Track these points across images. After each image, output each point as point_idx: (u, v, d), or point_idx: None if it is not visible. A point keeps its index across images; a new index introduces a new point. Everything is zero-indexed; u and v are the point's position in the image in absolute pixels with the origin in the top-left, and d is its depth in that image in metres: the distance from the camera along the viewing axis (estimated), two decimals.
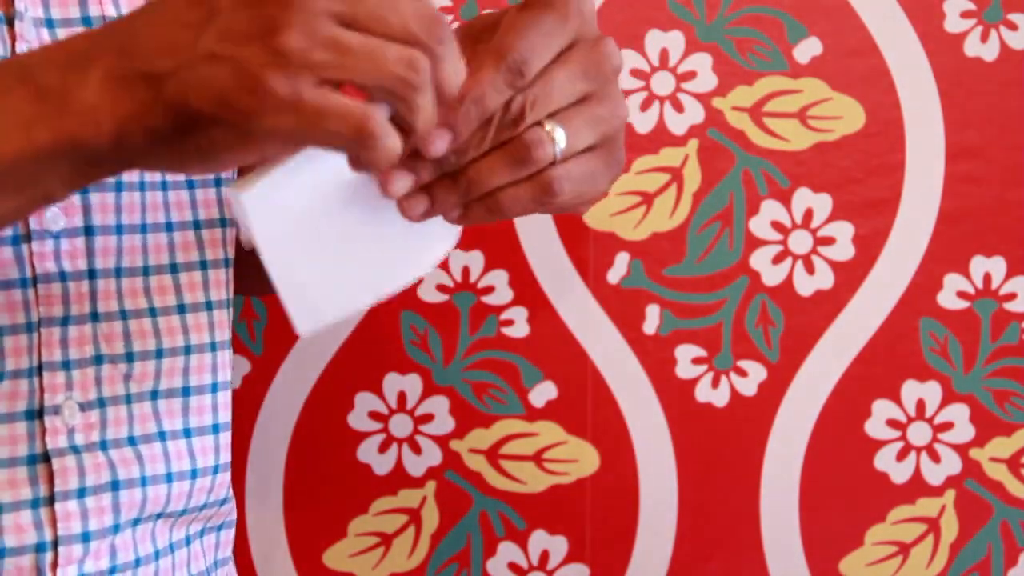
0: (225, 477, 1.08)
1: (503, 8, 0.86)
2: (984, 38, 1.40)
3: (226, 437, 1.07)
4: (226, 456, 1.07)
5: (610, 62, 0.85)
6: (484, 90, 0.80)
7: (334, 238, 0.82)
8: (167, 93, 0.73)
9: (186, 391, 1.03)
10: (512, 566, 1.43)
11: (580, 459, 1.43)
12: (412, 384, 1.42)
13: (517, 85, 0.81)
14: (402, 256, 0.85)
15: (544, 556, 1.43)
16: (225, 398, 1.06)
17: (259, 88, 0.71)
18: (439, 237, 0.87)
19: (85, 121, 0.75)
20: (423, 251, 0.86)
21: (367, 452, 1.42)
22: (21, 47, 0.92)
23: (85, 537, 0.95)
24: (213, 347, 1.04)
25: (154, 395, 1.00)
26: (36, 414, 0.94)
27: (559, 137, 0.83)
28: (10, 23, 0.92)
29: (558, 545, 1.43)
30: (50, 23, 0.95)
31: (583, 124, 0.84)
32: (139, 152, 0.76)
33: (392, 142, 0.73)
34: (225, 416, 1.06)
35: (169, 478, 1.01)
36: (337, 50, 0.71)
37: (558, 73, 0.83)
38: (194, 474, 1.03)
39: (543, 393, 1.42)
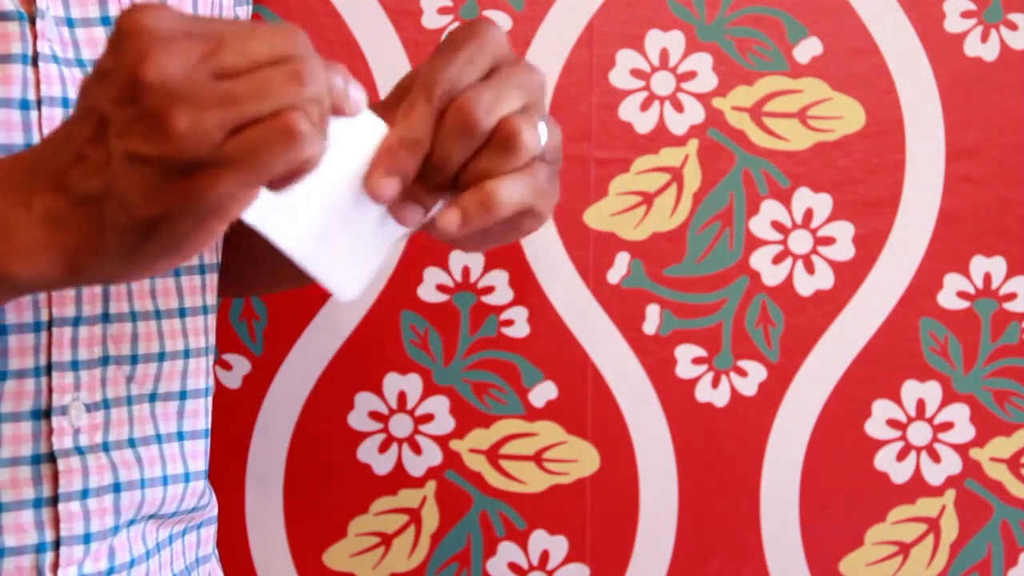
0: (207, 480, 1.09)
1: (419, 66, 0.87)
2: (984, 38, 1.40)
3: (209, 442, 1.08)
4: (208, 460, 1.08)
5: (537, 75, 0.86)
6: (419, 131, 0.82)
7: (337, 209, 0.83)
8: (110, 212, 0.74)
9: (183, 395, 1.03)
10: (512, 566, 1.44)
11: (580, 459, 1.43)
12: (412, 384, 1.42)
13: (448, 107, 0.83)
14: (319, 248, 0.85)
15: (544, 556, 1.43)
16: (211, 403, 1.07)
17: (190, 166, 0.71)
18: (340, 284, 0.87)
19: (28, 260, 0.76)
20: (328, 270, 0.86)
21: (367, 452, 1.42)
22: (43, 45, 0.92)
23: (87, 538, 0.95)
24: (207, 351, 1.05)
25: (152, 397, 1.00)
26: (43, 414, 0.93)
27: (541, 129, 0.84)
28: (32, 21, 0.92)
29: (558, 545, 1.43)
30: (71, 22, 0.95)
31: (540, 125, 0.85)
32: (93, 275, 0.77)
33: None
34: (210, 421, 1.07)
35: (165, 481, 1.01)
36: (228, 99, 0.72)
37: (494, 84, 0.83)
38: (187, 478, 1.04)
39: (543, 393, 1.42)
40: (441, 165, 0.83)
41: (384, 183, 0.82)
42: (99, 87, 0.74)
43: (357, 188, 0.84)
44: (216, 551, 1.15)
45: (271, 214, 0.80)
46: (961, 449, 1.44)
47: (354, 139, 0.83)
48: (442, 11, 1.39)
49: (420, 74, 0.84)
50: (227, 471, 1.41)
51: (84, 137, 0.74)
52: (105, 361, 0.96)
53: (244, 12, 1.21)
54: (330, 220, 0.83)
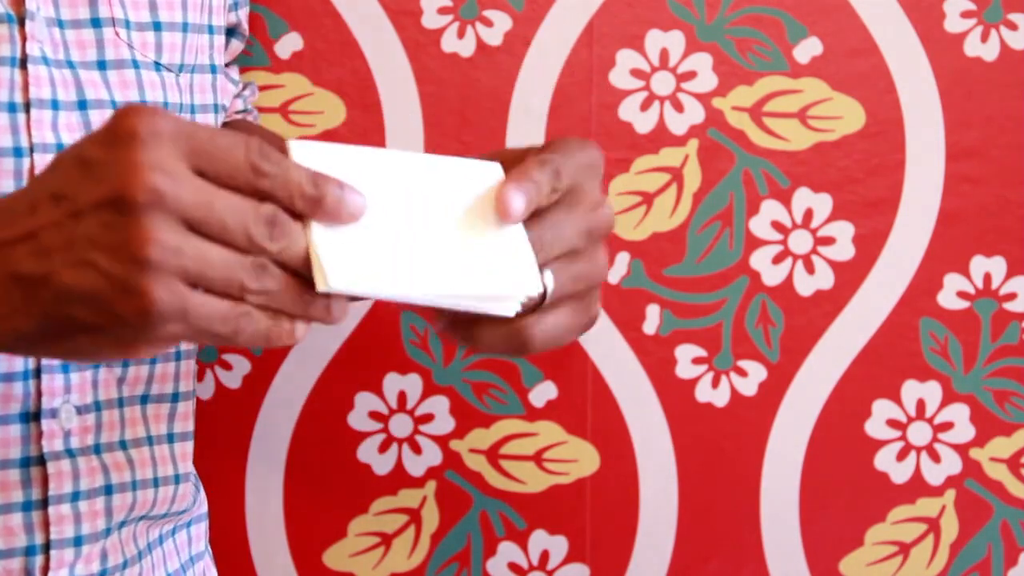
0: (197, 480, 1.09)
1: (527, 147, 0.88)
2: (984, 38, 1.40)
3: (193, 444, 1.08)
4: (192, 461, 1.08)
5: (608, 225, 0.86)
6: (539, 177, 0.82)
7: (399, 216, 0.81)
8: (42, 299, 0.73)
9: (175, 396, 1.03)
10: (512, 566, 1.44)
11: (580, 459, 1.43)
12: (412, 384, 1.42)
13: (556, 187, 0.83)
14: (463, 273, 0.82)
15: (544, 556, 1.44)
16: (195, 405, 1.08)
17: (141, 300, 0.70)
18: (517, 283, 0.83)
19: None
20: (490, 282, 0.82)
21: (367, 452, 1.42)
22: (32, 47, 0.93)
23: (77, 541, 0.96)
24: (194, 352, 1.05)
25: (144, 399, 1.01)
26: (32, 417, 0.94)
27: (548, 282, 0.83)
28: (21, 22, 0.93)
29: (558, 545, 1.43)
30: (60, 23, 0.95)
31: (568, 278, 0.85)
32: (5, 348, 0.76)
33: (264, 327, 0.74)
34: (193, 422, 1.08)
35: (156, 483, 1.02)
36: (198, 256, 0.71)
37: (567, 220, 0.84)
38: (177, 479, 1.04)
39: (543, 393, 1.42)
40: None
41: (515, 195, 0.81)
42: (80, 177, 0.72)
43: (481, 222, 0.82)
44: (209, 547, 1.16)
45: (402, 280, 0.78)
46: (961, 449, 1.44)
47: (466, 183, 0.83)
48: (442, 11, 1.39)
49: (551, 149, 0.85)
50: (227, 471, 1.42)
51: (49, 219, 0.73)
52: (96, 363, 0.96)
53: (244, 14, 1.21)
54: (389, 215, 0.80)
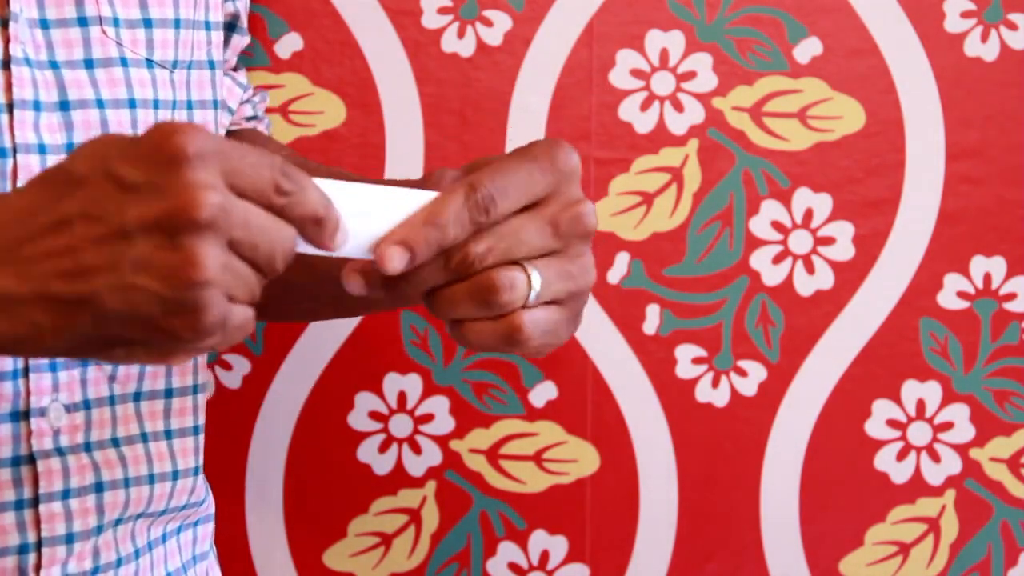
0: (203, 477, 1.09)
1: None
2: (984, 38, 1.40)
3: (203, 439, 1.08)
4: (201, 457, 1.08)
5: (584, 223, 0.84)
6: (446, 218, 0.80)
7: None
8: (81, 320, 0.73)
9: (168, 393, 1.03)
10: (512, 566, 1.44)
11: (580, 459, 1.43)
12: (412, 384, 1.42)
13: (480, 221, 0.81)
14: None
15: (544, 556, 1.44)
16: (204, 400, 1.07)
17: (195, 318, 0.71)
18: None
19: None
20: None
21: (367, 452, 1.42)
22: (15, 48, 0.93)
23: (69, 539, 0.96)
24: None
25: (136, 396, 1.01)
26: (21, 416, 0.94)
27: (536, 281, 0.82)
28: (4, 24, 0.93)
29: (558, 545, 1.44)
30: (44, 23, 0.95)
31: (554, 275, 0.83)
32: (20, 353, 0.77)
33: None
34: (203, 418, 1.07)
35: (151, 479, 1.02)
36: (240, 273, 0.73)
37: (528, 223, 0.82)
38: (175, 475, 1.04)
39: (543, 393, 1.42)
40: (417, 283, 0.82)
41: (393, 252, 0.80)
42: (121, 196, 0.72)
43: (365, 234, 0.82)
44: (214, 548, 1.16)
45: None
46: (961, 449, 1.43)
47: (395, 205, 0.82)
48: (442, 11, 1.39)
49: (481, 168, 0.83)
50: (227, 471, 1.42)
51: (82, 238, 0.72)
52: (84, 361, 0.97)
53: (242, 5, 1.21)
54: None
